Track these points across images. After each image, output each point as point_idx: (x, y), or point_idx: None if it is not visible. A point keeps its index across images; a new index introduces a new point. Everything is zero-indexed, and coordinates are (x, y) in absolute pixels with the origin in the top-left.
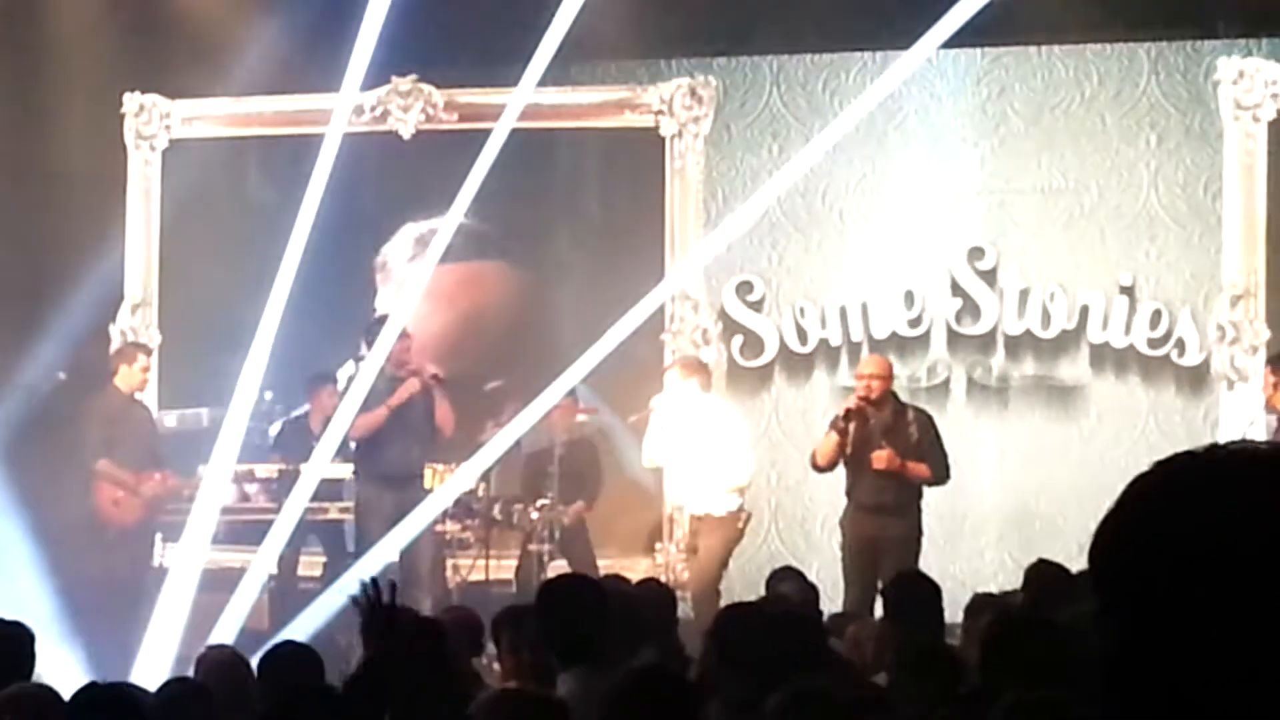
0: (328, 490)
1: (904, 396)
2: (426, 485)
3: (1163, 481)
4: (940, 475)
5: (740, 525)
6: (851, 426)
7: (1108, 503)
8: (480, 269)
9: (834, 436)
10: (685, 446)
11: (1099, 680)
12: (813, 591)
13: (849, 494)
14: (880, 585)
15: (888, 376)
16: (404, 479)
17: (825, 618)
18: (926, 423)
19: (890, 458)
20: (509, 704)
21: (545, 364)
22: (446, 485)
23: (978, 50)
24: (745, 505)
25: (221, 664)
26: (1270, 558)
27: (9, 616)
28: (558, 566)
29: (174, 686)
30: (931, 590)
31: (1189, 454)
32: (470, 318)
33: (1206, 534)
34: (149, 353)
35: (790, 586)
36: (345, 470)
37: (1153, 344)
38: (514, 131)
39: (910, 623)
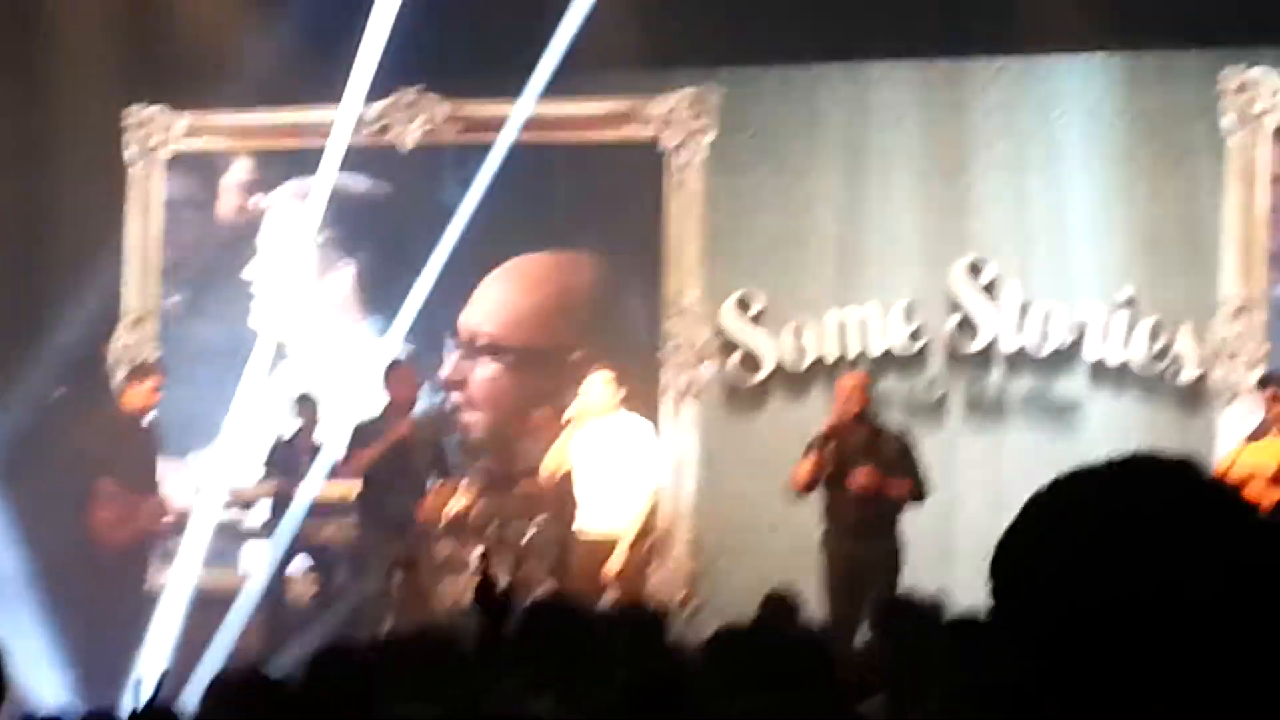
0: (321, 511)
1: (901, 413)
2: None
3: (1052, 495)
4: (920, 491)
5: (649, 547)
6: (830, 446)
7: None
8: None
9: (812, 457)
10: (598, 463)
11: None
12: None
13: (827, 515)
14: (864, 607)
15: (865, 392)
16: (403, 524)
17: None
18: (903, 439)
19: (870, 474)
20: None
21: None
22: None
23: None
24: (654, 525)
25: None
26: (1157, 567)
27: None
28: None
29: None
30: (934, 610)
31: (1085, 468)
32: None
33: (1091, 545)
34: (160, 374)
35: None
36: (339, 489)
37: (1151, 359)
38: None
39: (909, 643)
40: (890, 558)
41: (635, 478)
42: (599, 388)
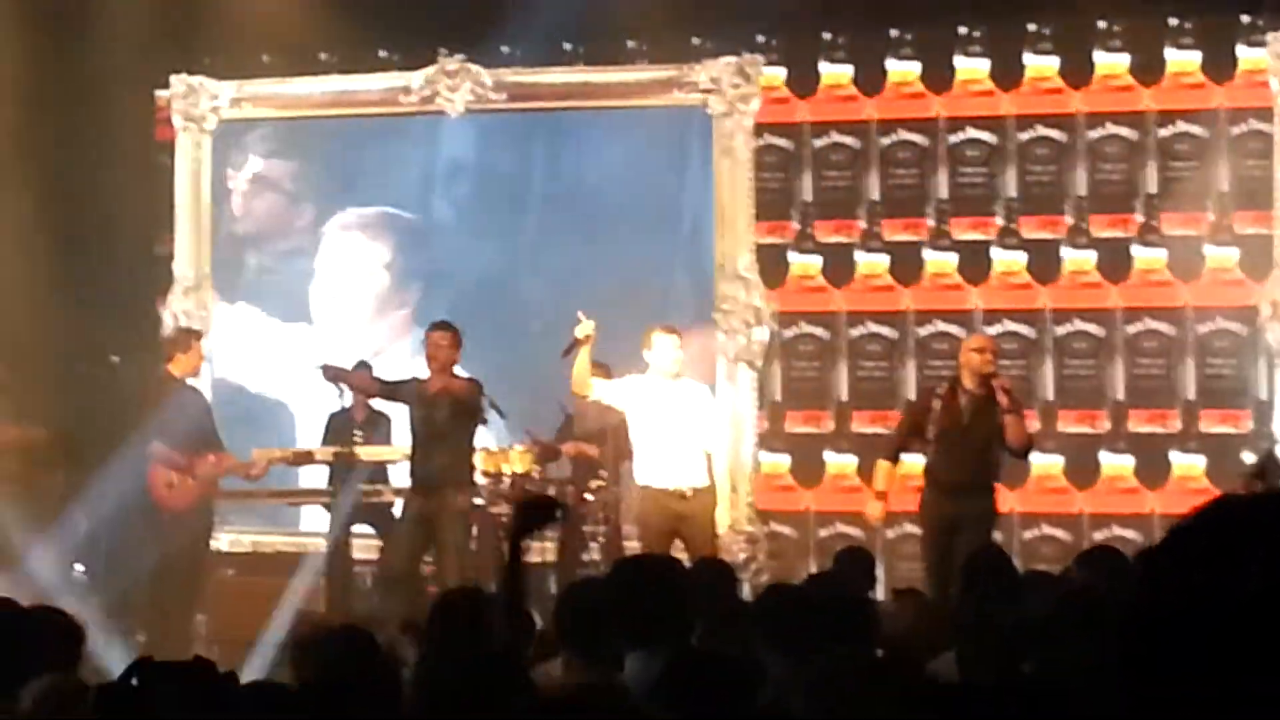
0: (380, 474)
1: None
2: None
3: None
4: (1027, 445)
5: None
6: (936, 404)
7: None
8: None
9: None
10: (667, 420)
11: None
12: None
13: (928, 473)
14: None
15: (999, 352)
16: (426, 488)
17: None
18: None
19: (1009, 395)
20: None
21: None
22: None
23: None
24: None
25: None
26: None
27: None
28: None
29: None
30: (1011, 566)
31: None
32: None
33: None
34: (200, 337)
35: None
36: (396, 453)
37: None
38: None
39: (990, 599)
40: (984, 517)
41: (703, 438)
42: (671, 350)
